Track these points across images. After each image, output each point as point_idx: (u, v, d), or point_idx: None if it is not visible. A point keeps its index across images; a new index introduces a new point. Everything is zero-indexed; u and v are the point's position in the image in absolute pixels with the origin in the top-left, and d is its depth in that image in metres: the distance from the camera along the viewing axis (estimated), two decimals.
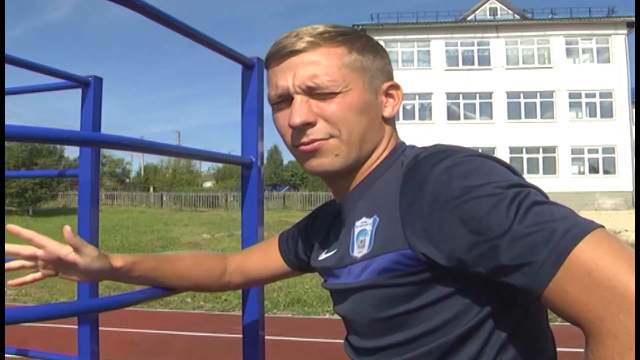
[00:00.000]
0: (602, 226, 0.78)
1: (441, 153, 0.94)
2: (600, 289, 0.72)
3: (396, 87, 1.11)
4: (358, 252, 1.02)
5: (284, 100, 1.06)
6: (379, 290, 0.98)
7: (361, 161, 1.08)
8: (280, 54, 1.05)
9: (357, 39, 1.06)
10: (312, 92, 1.03)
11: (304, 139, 1.04)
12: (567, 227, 0.77)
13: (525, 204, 0.81)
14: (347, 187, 1.12)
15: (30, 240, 1.16)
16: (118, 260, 1.22)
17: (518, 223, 0.79)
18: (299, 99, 1.03)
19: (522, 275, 0.78)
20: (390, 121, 1.12)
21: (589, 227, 0.77)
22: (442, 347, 0.93)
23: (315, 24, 1.06)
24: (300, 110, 1.02)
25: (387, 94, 1.10)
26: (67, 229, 1.13)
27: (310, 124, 1.03)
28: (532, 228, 0.78)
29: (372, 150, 1.08)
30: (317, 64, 1.02)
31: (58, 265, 1.19)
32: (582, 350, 0.76)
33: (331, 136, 1.03)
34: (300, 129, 1.03)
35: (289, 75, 1.04)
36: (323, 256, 1.18)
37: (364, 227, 1.03)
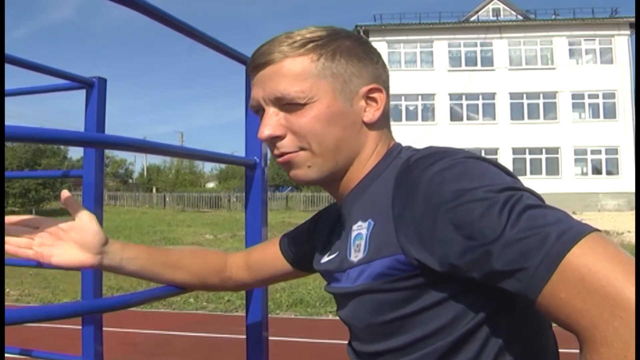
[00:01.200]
0: (597, 230, 0.77)
1: (433, 155, 0.92)
2: (594, 295, 0.71)
3: (378, 90, 1.06)
4: (355, 257, 1.02)
5: (260, 111, 1.06)
6: (375, 295, 0.97)
7: (341, 170, 1.06)
8: (252, 66, 1.06)
9: (330, 42, 1.03)
10: (280, 104, 1.02)
11: (275, 152, 1.05)
12: (560, 232, 0.75)
13: (517, 208, 0.80)
14: (341, 191, 1.11)
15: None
16: (112, 241, 1.24)
17: (510, 228, 0.78)
18: (270, 111, 1.03)
19: (516, 281, 0.77)
20: (376, 125, 1.07)
21: (583, 231, 0.76)
22: (440, 349, 0.92)
23: (291, 30, 1.05)
24: (268, 124, 1.02)
25: (368, 98, 1.05)
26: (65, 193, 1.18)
27: (278, 137, 1.03)
28: (525, 233, 0.77)
29: (351, 158, 1.06)
30: (283, 75, 1.01)
31: (54, 235, 1.19)
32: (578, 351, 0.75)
33: (301, 149, 1.03)
34: (270, 142, 1.04)
35: (259, 88, 1.04)
36: (325, 259, 1.18)
37: (359, 231, 1.02)
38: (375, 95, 1.06)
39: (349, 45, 1.04)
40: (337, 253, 1.12)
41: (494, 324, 0.91)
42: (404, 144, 1.13)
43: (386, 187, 0.98)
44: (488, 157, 0.95)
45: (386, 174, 1.03)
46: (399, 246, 0.91)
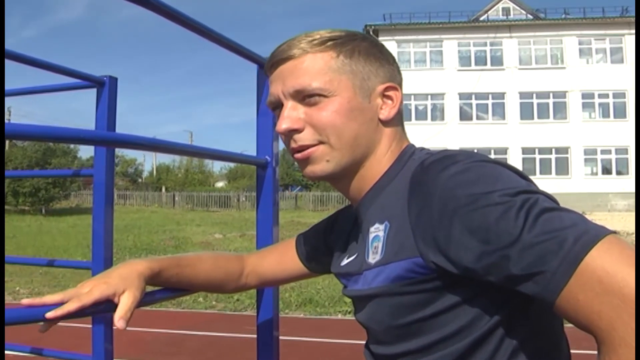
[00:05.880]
0: (613, 232, 0.78)
1: (448, 159, 0.93)
2: (612, 296, 0.72)
3: (394, 88, 1.09)
4: (372, 259, 1.02)
5: (278, 107, 1.08)
6: (393, 298, 0.98)
7: (357, 165, 1.07)
8: (271, 63, 1.08)
9: (348, 42, 1.06)
10: (300, 97, 1.04)
11: (293, 145, 1.06)
12: (577, 235, 0.76)
13: (534, 212, 0.80)
14: (354, 189, 1.11)
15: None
16: (146, 272, 1.13)
17: (527, 232, 0.78)
18: (288, 104, 1.05)
19: (534, 284, 0.78)
20: (391, 123, 1.09)
21: (600, 233, 0.76)
22: (457, 351, 0.93)
23: (310, 31, 1.07)
24: (288, 117, 1.04)
25: (385, 96, 1.08)
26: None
27: (296, 130, 1.04)
28: (542, 237, 0.77)
29: (367, 153, 1.07)
30: (304, 70, 1.03)
31: None
32: (592, 352, 0.75)
33: (320, 142, 1.04)
34: (288, 135, 1.05)
35: (278, 83, 1.06)
36: (344, 262, 1.18)
37: (377, 233, 1.03)
38: (391, 93, 1.08)
39: (366, 46, 1.08)
40: (355, 255, 1.13)
41: (509, 326, 0.92)
42: (414, 144, 1.14)
43: (401, 189, 0.99)
44: (497, 157, 0.96)
45: (401, 175, 1.04)
46: (417, 249, 0.91)
